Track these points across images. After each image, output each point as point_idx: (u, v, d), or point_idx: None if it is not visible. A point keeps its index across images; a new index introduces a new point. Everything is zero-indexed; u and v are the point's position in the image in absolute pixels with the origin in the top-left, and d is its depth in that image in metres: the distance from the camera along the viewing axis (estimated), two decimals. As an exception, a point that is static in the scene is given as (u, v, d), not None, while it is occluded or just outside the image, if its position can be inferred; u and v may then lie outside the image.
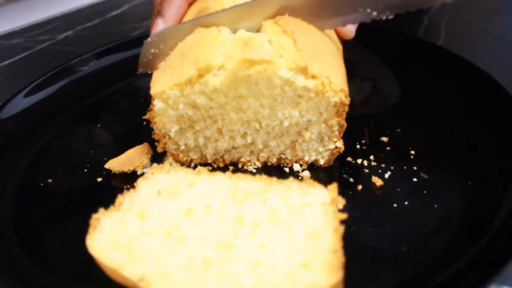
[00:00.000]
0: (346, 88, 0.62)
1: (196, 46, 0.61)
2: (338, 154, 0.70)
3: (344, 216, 0.53)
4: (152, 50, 0.66)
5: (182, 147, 0.71)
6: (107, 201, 0.58)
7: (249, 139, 0.69)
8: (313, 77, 0.60)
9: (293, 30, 0.61)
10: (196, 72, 0.60)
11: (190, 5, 0.73)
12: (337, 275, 0.45)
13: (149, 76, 0.69)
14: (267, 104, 0.64)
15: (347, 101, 0.62)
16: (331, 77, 0.60)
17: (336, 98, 0.61)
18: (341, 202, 0.55)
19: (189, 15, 0.70)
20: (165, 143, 0.71)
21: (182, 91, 0.62)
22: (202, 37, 0.62)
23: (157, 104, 0.65)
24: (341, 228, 0.51)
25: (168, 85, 0.63)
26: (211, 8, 0.67)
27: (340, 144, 0.68)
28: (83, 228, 0.53)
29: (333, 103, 0.62)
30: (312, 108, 0.64)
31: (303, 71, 0.60)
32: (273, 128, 0.67)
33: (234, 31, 0.63)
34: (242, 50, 0.59)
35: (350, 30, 0.71)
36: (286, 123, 0.66)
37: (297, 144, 0.69)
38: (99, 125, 0.85)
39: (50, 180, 0.73)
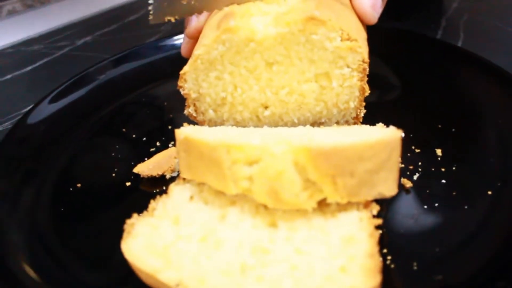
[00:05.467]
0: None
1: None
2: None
3: (379, 221, 0.53)
4: None
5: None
6: (138, 206, 0.59)
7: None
8: None
9: None
10: None
11: None
12: (375, 279, 0.45)
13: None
14: None
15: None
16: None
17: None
18: (375, 208, 0.55)
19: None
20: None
21: None
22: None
23: None
24: (377, 233, 0.51)
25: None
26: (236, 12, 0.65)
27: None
28: (117, 232, 0.54)
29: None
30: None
31: None
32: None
33: None
34: None
35: (370, 12, 0.69)
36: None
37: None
38: (124, 129, 0.86)
39: (79, 185, 0.73)
